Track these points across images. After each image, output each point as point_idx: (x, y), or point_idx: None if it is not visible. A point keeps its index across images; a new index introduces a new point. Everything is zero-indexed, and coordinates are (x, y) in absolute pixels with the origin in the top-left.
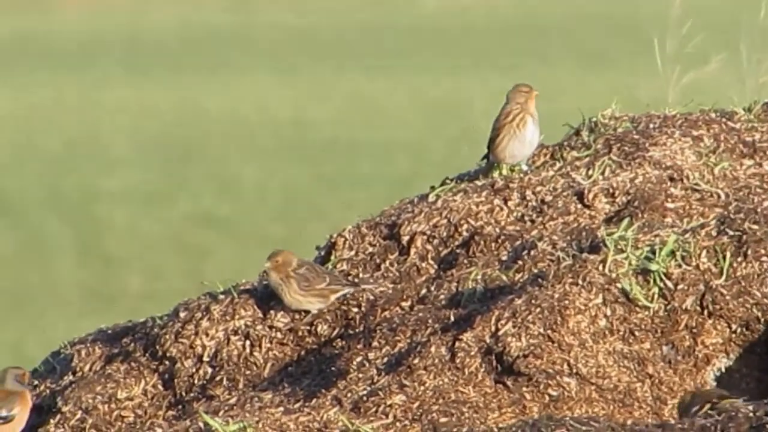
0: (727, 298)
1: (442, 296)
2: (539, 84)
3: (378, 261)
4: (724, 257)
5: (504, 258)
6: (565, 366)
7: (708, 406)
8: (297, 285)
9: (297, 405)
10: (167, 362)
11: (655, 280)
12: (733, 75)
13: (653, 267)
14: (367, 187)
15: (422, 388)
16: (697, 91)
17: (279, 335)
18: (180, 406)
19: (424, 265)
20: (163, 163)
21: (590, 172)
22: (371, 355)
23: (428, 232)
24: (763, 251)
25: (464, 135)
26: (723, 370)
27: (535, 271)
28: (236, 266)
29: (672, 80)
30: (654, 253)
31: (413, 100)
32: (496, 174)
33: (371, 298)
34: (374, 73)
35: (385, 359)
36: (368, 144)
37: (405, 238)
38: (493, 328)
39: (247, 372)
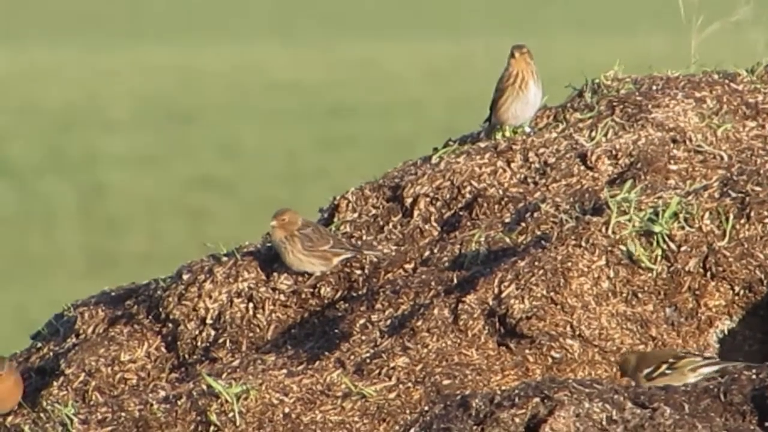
0: (730, 259)
1: (445, 258)
2: (541, 45)
3: (381, 223)
4: (727, 219)
5: (507, 220)
6: (568, 328)
7: (664, 366)
8: (301, 245)
9: (300, 367)
10: (170, 324)
11: (658, 242)
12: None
13: (656, 229)
14: (370, 150)
15: (425, 350)
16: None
17: (282, 297)
18: (183, 369)
19: (427, 227)
20: (164, 126)
21: (593, 133)
22: (374, 318)
23: (431, 194)
24: (766, 213)
25: (467, 97)
26: (726, 332)
27: (538, 233)
28: (238, 228)
29: (694, 33)
30: (657, 214)
31: (415, 62)
32: (499, 136)
33: (374, 260)
34: (376, 35)
35: (388, 321)
36: (370, 106)
37: (408, 200)
38: (496, 291)
39: (250, 334)
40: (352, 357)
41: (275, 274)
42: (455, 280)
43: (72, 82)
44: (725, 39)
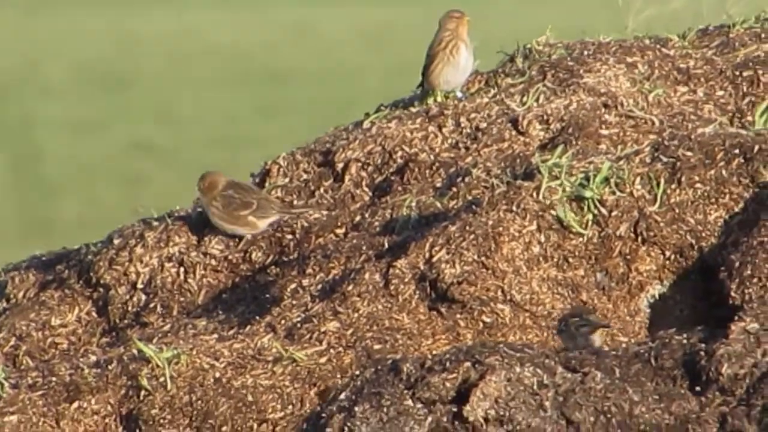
0: (661, 224)
1: (376, 223)
2: (473, 11)
3: (312, 188)
4: (658, 184)
5: (438, 185)
6: (499, 293)
7: (576, 320)
8: (222, 207)
9: (231, 332)
10: (101, 289)
11: (589, 207)
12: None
13: (587, 194)
14: (307, 115)
15: (356, 314)
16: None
17: (213, 262)
18: (114, 333)
19: (358, 191)
20: (100, 91)
21: (525, 98)
22: (305, 282)
23: (363, 159)
24: (697, 178)
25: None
26: (656, 297)
27: (470, 197)
28: (173, 194)
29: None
30: (588, 179)
31: (352, 27)
32: (430, 101)
33: (305, 224)
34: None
35: (319, 286)
36: (305, 72)
37: (339, 165)
38: (427, 255)
39: (181, 299)
40: (283, 322)
41: (206, 238)
42: (386, 245)
43: (8, 47)
44: (656, 4)
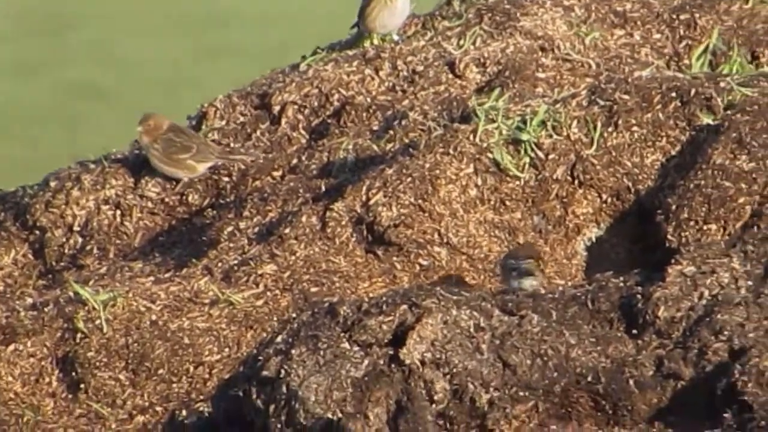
0: (598, 167)
1: (313, 166)
2: None
3: (249, 131)
4: (595, 127)
5: (375, 128)
6: (436, 236)
7: (511, 262)
8: (164, 151)
9: (167, 275)
10: (37, 232)
11: (525, 150)
12: None
13: (524, 137)
14: (244, 58)
15: (293, 257)
16: None
17: (150, 205)
18: (50, 276)
19: (295, 134)
20: (40, 33)
21: (461, 42)
22: (242, 225)
23: (299, 102)
24: (633, 121)
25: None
26: (593, 240)
27: (406, 141)
28: (113, 137)
29: None
30: (525, 122)
31: None
32: (367, 44)
33: (242, 167)
34: None
35: (256, 229)
36: (245, 15)
37: (276, 108)
38: (364, 198)
39: (118, 242)
40: (219, 264)
41: (143, 181)
42: (323, 188)
43: None
44: None
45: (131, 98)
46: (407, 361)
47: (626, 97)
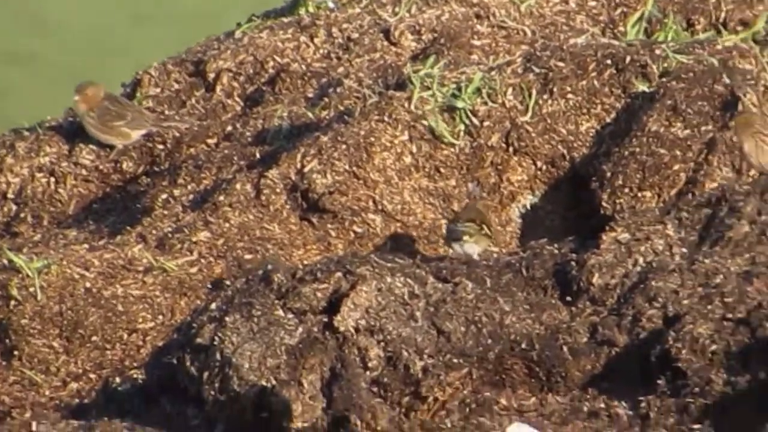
0: (533, 135)
1: (248, 133)
2: None
3: (183, 98)
4: (530, 94)
5: (310, 95)
6: (371, 203)
7: (452, 226)
8: (100, 119)
9: (102, 242)
10: None
11: (460, 118)
12: None
13: (459, 104)
14: (178, 25)
15: (227, 225)
16: None
17: (84, 172)
18: None
19: (229, 102)
20: None
21: (396, 9)
22: (176, 192)
23: (234, 69)
24: (568, 88)
25: None
26: (528, 207)
27: (341, 108)
28: (43, 104)
29: None
30: (460, 90)
31: None
32: (302, 11)
33: (177, 134)
34: None
35: (191, 196)
36: None
37: (211, 75)
38: (298, 165)
39: (52, 209)
40: (153, 232)
41: (77, 148)
42: (258, 155)
43: None
44: None
45: (64, 65)
46: (341, 329)
47: (561, 64)
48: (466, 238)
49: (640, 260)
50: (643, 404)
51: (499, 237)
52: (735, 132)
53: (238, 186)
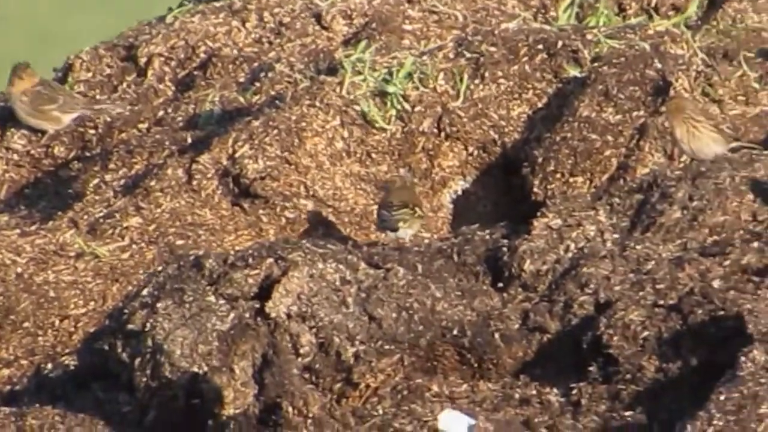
0: (464, 120)
1: (179, 118)
2: None
3: (115, 83)
4: (462, 79)
5: (242, 80)
6: (302, 188)
7: (385, 213)
8: (32, 103)
9: (33, 227)
10: None
11: (392, 102)
12: None
13: (390, 89)
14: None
15: (159, 210)
16: None
17: (15, 157)
18: None
19: (161, 87)
20: None
21: None
22: (108, 177)
23: (166, 54)
24: (500, 73)
25: None
26: (459, 192)
27: (273, 93)
28: None
29: None
30: (391, 75)
31: None
32: None
33: (108, 119)
34: None
35: (122, 181)
36: None
37: (142, 60)
38: (230, 151)
39: None
40: (85, 217)
41: (8, 133)
42: (189, 140)
43: None
44: None
45: None
46: (273, 315)
47: (493, 49)
48: (401, 224)
49: (572, 246)
50: (574, 391)
51: (430, 223)
52: (667, 117)
53: (169, 171)
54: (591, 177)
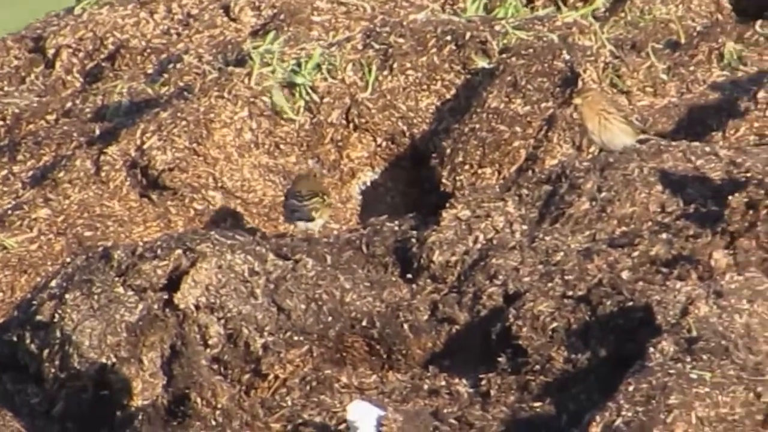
0: (373, 111)
1: (87, 110)
2: None
3: (23, 74)
4: (370, 71)
5: (150, 71)
6: (211, 180)
7: (294, 203)
8: None
9: None
10: None
11: (301, 94)
12: None
13: (299, 80)
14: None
15: (67, 201)
16: None
17: None
18: None
19: (69, 78)
20: None
21: None
22: (16, 169)
23: (74, 46)
24: (408, 65)
25: None
26: (368, 183)
27: (181, 84)
28: None
29: None
30: (300, 66)
31: None
32: None
33: (16, 111)
34: None
35: (30, 173)
36: None
37: (50, 52)
38: (138, 142)
39: None
40: None
41: None
42: (98, 132)
43: None
44: None
45: None
46: (182, 306)
47: (401, 40)
48: (314, 214)
49: (481, 237)
50: (483, 382)
51: (339, 214)
52: (578, 109)
53: (77, 162)
54: (500, 168)
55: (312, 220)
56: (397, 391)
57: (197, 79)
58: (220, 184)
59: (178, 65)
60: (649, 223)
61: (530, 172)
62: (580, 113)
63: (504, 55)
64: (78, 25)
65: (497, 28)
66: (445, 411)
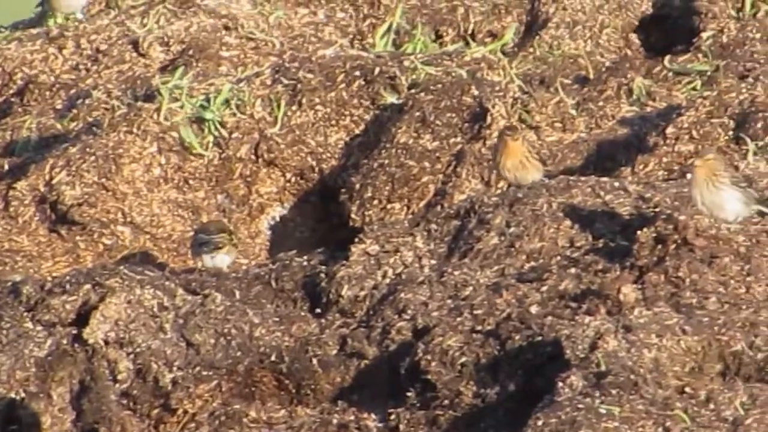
0: (282, 146)
1: None
2: None
3: None
4: (279, 106)
5: (59, 106)
6: (120, 215)
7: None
8: None
9: None
10: None
11: (209, 129)
12: None
13: (208, 115)
14: None
15: None
16: None
17: None
18: None
19: None
20: None
21: (145, 20)
22: None
23: None
24: (317, 100)
25: None
26: (277, 219)
27: (90, 119)
28: None
29: None
30: (209, 101)
31: None
32: (51, 22)
33: None
34: None
35: None
36: None
37: None
38: (47, 177)
39: None
40: None
41: None
42: (6, 167)
43: None
44: None
45: None
46: (91, 341)
47: (310, 75)
48: (221, 247)
49: (390, 272)
50: (392, 416)
51: (248, 249)
52: (498, 148)
53: None
54: (408, 203)
55: (220, 248)
56: (306, 426)
57: (106, 115)
58: (129, 219)
59: (87, 101)
60: (558, 258)
61: (439, 208)
62: (502, 152)
63: (413, 91)
64: None
65: (406, 63)
66: None
